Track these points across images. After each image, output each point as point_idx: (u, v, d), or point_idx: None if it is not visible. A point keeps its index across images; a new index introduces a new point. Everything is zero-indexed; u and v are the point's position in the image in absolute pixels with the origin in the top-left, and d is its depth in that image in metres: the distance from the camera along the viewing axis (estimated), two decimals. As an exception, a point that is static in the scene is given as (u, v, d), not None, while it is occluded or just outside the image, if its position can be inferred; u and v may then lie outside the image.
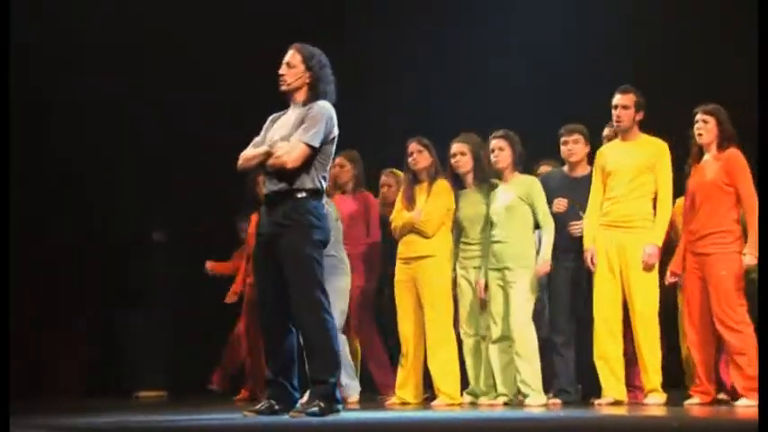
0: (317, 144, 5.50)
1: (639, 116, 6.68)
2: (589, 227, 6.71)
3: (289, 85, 5.65)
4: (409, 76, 9.45)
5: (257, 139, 5.72)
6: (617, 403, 6.49)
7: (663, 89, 7.76)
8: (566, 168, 7.07)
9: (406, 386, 7.06)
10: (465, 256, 6.98)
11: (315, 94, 5.61)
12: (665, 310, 6.73)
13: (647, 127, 6.73)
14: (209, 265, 8.94)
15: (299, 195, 5.50)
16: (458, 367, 6.94)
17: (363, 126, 7.98)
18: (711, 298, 6.30)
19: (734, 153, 6.37)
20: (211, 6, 9.40)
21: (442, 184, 7.01)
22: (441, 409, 6.58)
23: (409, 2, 9.67)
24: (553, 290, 6.93)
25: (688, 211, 6.53)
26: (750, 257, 6.20)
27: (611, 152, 6.74)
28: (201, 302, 9.40)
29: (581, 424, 5.18)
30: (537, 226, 6.84)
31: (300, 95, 5.66)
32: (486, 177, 6.99)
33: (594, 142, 7.06)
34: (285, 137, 5.54)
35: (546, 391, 6.76)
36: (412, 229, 7.00)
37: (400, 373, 7.12)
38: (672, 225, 6.75)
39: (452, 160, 7.02)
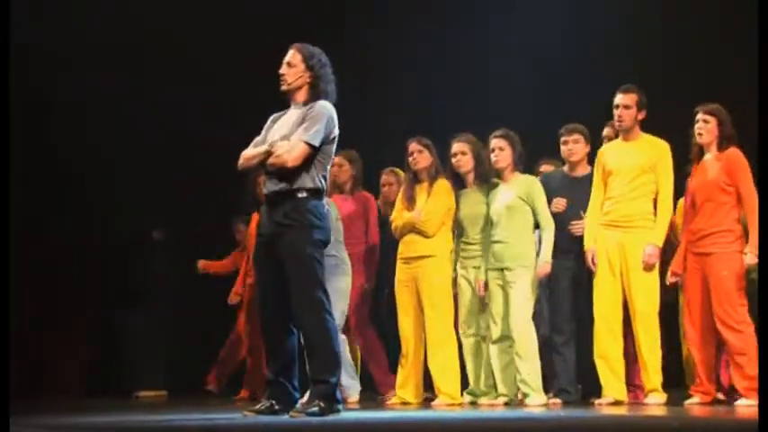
0: (317, 143, 5.49)
1: (641, 116, 6.68)
2: (590, 227, 6.71)
3: (289, 84, 5.65)
4: (409, 76, 9.46)
5: (258, 138, 5.72)
6: (617, 403, 6.49)
7: (663, 89, 7.76)
8: (566, 168, 7.07)
9: (406, 386, 7.06)
10: (465, 255, 6.98)
11: (315, 93, 5.61)
12: (665, 310, 6.73)
13: (646, 127, 6.73)
14: (201, 263, 8.95)
15: (300, 195, 5.50)
16: (458, 367, 6.94)
17: (363, 126, 7.98)
18: (712, 298, 6.30)
19: (734, 153, 6.38)
20: (211, 6, 9.40)
21: (443, 184, 7.01)
22: (441, 409, 6.58)
23: (409, 2, 9.68)
24: (554, 290, 6.92)
25: (689, 211, 6.53)
26: (751, 257, 6.20)
27: (612, 152, 6.74)
28: (201, 302, 9.41)
29: (581, 424, 5.18)
30: (537, 226, 6.84)
31: (301, 95, 5.66)
32: (487, 177, 6.99)
33: (594, 142, 7.06)
34: (286, 136, 5.54)
35: (546, 390, 6.77)
36: (412, 228, 7.00)
37: (401, 372, 7.12)
38: (671, 225, 6.75)
39: (453, 160, 7.02)
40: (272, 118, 5.78)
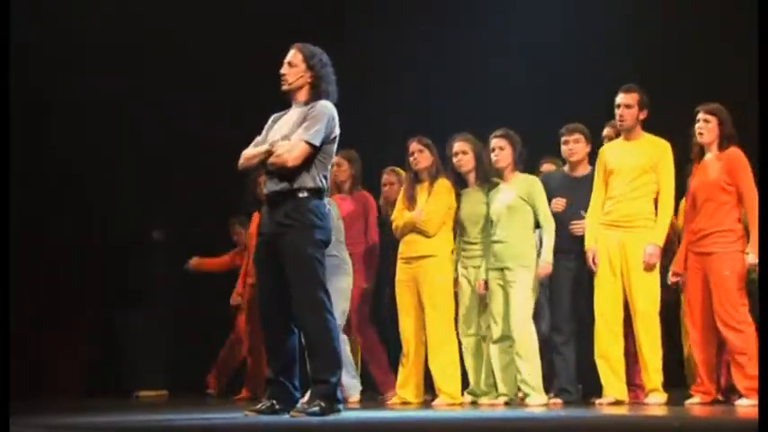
0: (317, 143, 5.49)
1: (643, 115, 6.68)
2: (590, 226, 6.71)
3: (290, 84, 5.65)
4: (409, 76, 9.46)
5: (258, 138, 5.71)
6: (618, 403, 6.49)
7: (663, 89, 7.75)
8: (566, 168, 7.07)
9: (406, 386, 7.06)
10: (466, 255, 6.98)
11: (316, 93, 5.61)
12: (666, 310, 6.73)
13: (647, 127, 6.73)
14: (193, 261, 8.94)
15: (301, 195, 5.50)
16: (459, 367, 6.93)
17: (363, 126, 7.98)
18: (713, 297, 6.30)
19: (735, 152, 6.37)
20: (211, 6, 9.40)
21: (443, 184, 7.01)
22: (441, 409, 6.58)
23: (409, 2, 9.67)
24: (554, 289, 6.92)
25: (689, 211, 6.53)
26: (753, 256, 6.20)
27: (613, 151, 6.74)
28: (201, 302, 9.41)
29: (582, 424, 5.17)
30: (537, 225, 6.84)
31: (302, 95, 5.66)
32: (488, 177, 6.99)
33: (595, 142, 7.06)
34: (286, 136, 5.54)
35: (546, 390, 6.76)
36: (413, 228, 7.00)
37: (401, 372, 7.12)
38: (672, 225, 6.75)
39: (454, 159, 7.02)
40: (272, 117, 5.78)
